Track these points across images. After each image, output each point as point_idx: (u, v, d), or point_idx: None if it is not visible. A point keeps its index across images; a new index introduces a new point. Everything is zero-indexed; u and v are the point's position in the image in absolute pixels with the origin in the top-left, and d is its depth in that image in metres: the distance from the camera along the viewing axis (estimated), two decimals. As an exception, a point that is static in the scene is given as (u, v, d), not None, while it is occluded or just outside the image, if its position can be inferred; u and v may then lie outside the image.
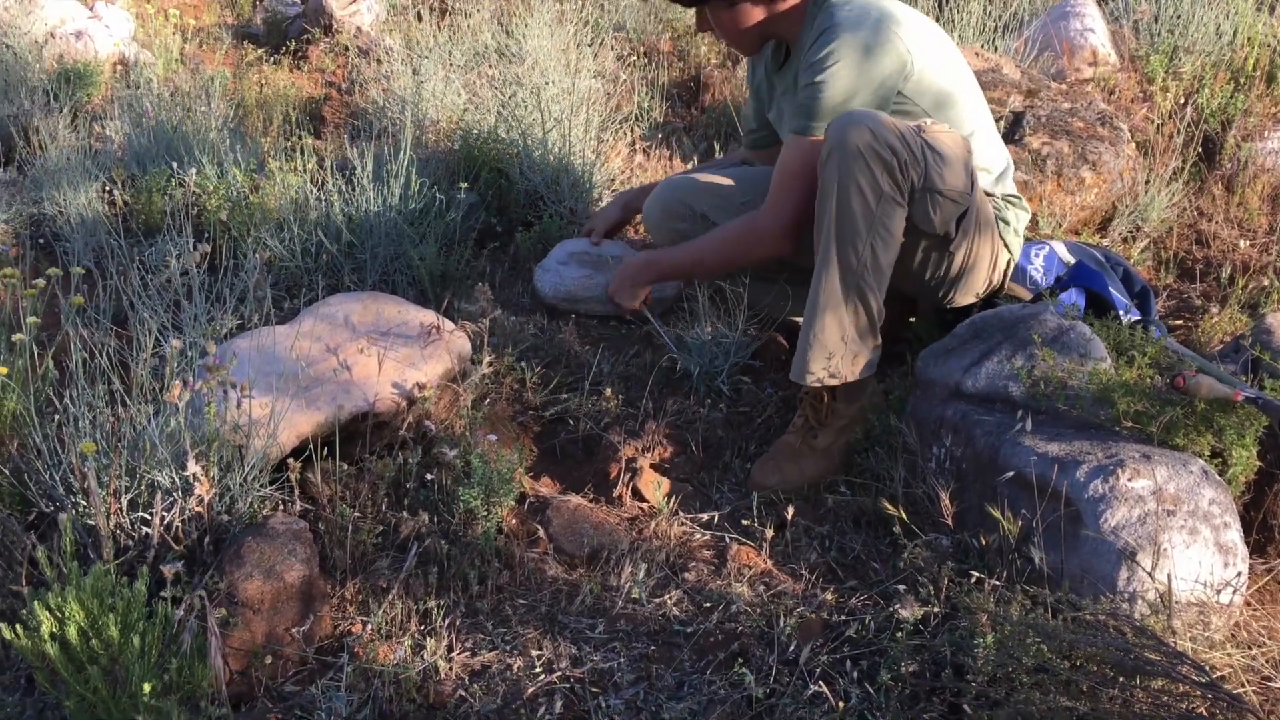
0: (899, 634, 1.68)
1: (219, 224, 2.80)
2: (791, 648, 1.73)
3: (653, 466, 2.25)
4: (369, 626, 1.78)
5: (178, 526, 1.76)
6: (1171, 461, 1.75)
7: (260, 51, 5.27)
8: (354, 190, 2.93)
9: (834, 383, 2.11)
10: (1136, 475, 1.72)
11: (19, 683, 1.66)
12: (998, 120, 3.16)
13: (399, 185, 2.91)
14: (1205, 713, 1.40)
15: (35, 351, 1.86)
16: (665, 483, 2.20)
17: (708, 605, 1.87)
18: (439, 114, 3.76)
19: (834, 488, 2.18)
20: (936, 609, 1.74)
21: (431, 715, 1.65)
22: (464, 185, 3.03)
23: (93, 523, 1.69)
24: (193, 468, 1.73)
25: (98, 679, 1.44)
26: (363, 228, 2.85)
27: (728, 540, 2.06)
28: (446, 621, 1.81)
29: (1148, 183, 3.13)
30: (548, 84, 3.45)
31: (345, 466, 2.03)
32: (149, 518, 1.73)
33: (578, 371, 2.54)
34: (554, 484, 2.24)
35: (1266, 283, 2.81)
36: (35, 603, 1.42)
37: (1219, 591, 1.66)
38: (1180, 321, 2.74)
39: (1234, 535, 1.69)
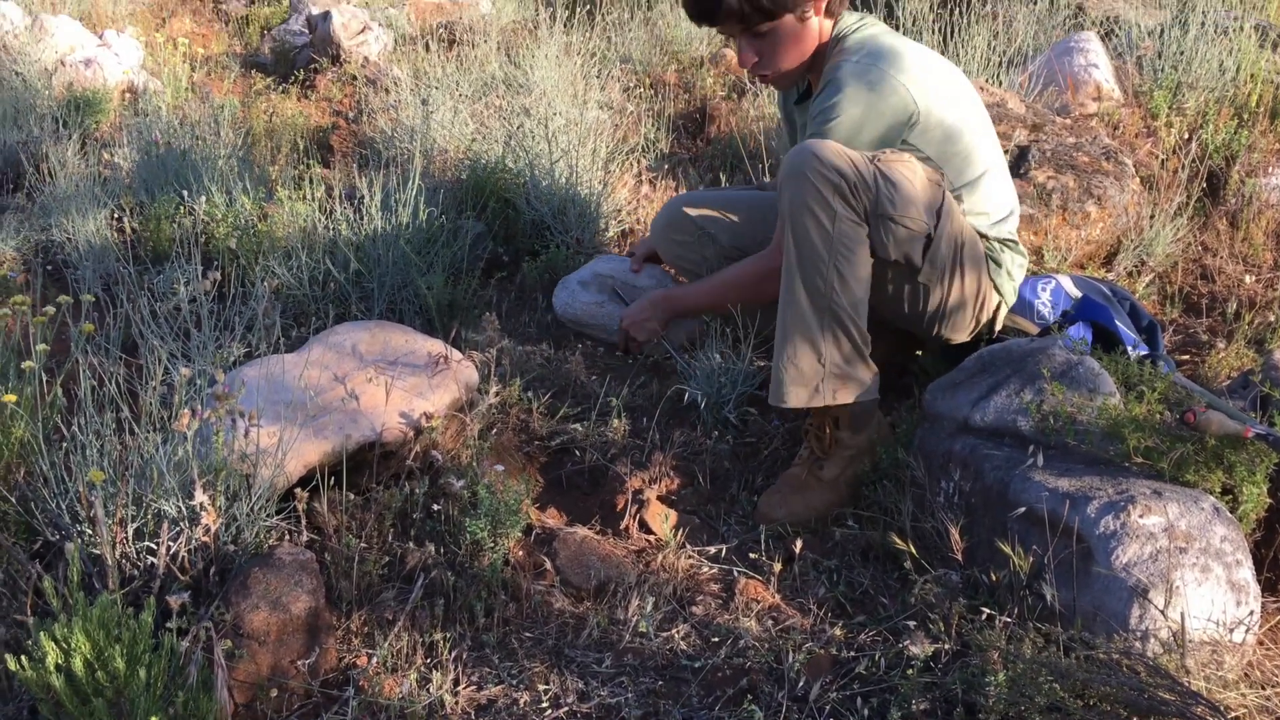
0: (909, 671, 1.67)
1: (227, 252, 2.81)
2: (801, 684, 1.72)
3: (660, 498, 2.24)
4: (374, 659, 1.77)
5: (184, 556, 1.75)
6: (1182, 498, 1.74)
7: (268, 80, 5.31)
8: (362, 219, 2.94)
9: (817, 404, 2.10)
10: (1148, 512, 1.71)
11: (23, 715, 1.65)
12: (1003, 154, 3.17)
13: (407, 214, 2.92)
14: (1221, 754, 1.39)
15: (44, 379, 1.86)
16: (672, 515, 2.19)
17: (715, 640, 1.86)
18: (447, 143, 3.78)
19: (842, 521, 2.18)
20: (947, 646, 1.73)
21: (437, 750, 1.63)
22: (471, 215, 3.04)
23: (99, 552, 1.68)
24: (200, 497, 1.73)
25: (103, 711, 1.43)
26: (370, 256, 2.86)
27: (735, 574, 2.05)
28: (452, 654, 1.80)
29: (1152, 217, 3.14)
30: (555, 115, 3.47)
31: (352, 496, 2.03)
32: (155, 547, 1.72)
33: (584, 401, 2.53)
34: (560, 515, 2.23)
35: (1272, 318, 2.81)
36: (41, 634, 1.41)
37: (1231, 630, 1.64)
38: (1187, 356, 2.74)
39: (1246, 573, 1.68)
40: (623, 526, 2.17)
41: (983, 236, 2.30)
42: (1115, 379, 2.04)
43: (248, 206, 3.06)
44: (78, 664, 1.41)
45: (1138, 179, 3.24)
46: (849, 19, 2.27)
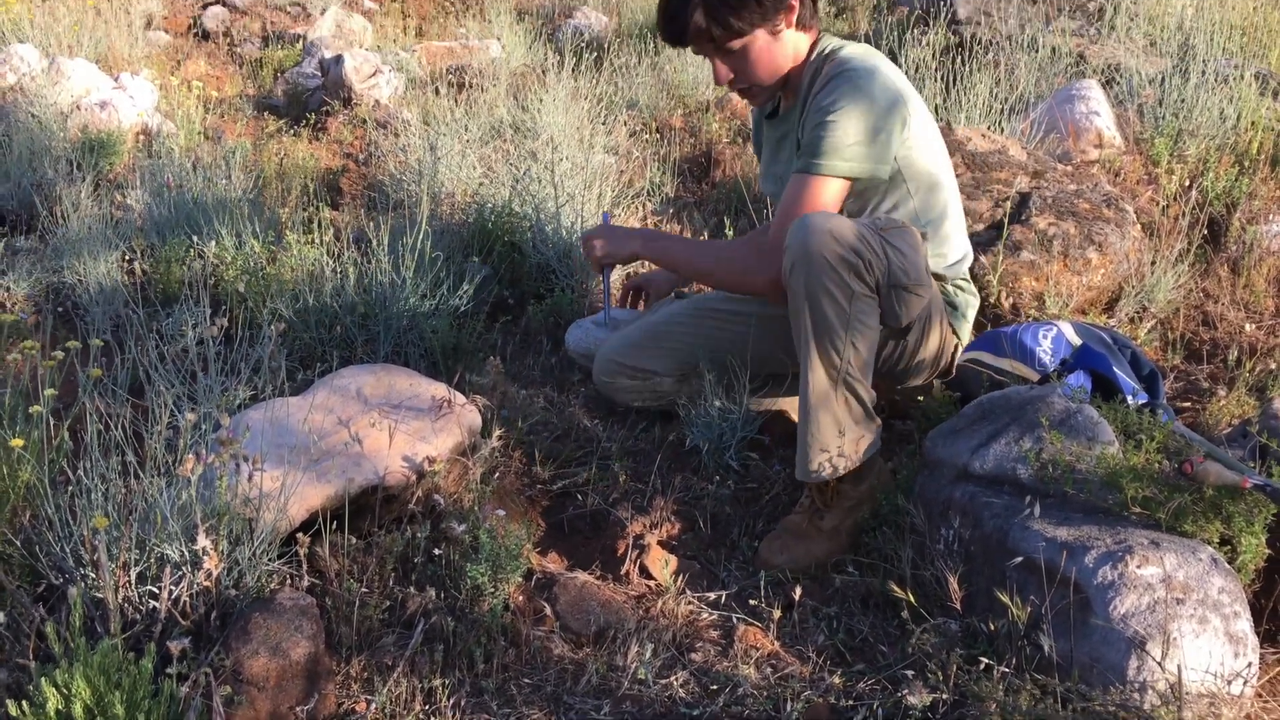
0: (907, 721, 1.67)
1: (236, 294, 2.84)
2: (798, 733, 1.71)
3: (660, 543, 2.25)
4: (373, 705, 1.77)
5: (185, 601, 1.76)
6: (1180, 549, 1.75)
7: (280, 123, 5.38)
8: (369, 262, 2.97)
9: (840, 473, 2.12)
10: (1145, 562, 1.72)
11: (22, 758, 1.66)
12: (1004, 200, 3.21)
13: (413, 258, 2.95)
14: (1217, 809, 1.38)
15: (51, 422, 1.88)
16: (673, 560, 2.20)
17: (714, 687, 1.86)
18: (454, 187, 3.82)
19: (841, 567, 2.18)
20: (945, 695, 1.73)
21: (434, 797, 1.63)
22: (478, 258, 3.07)
23: (101, 596, 1.69)
24: (203, 541, 1.74)
25: (101, 757, 1.44)
26: (377, 299, 2.89)
27: (735, 620, 2.05)
28: (451, 701, 1.80)
29: (1154, 264, 3.16)
30: (562, 159, 3.52)
31: (353, 540, 2.04)
32: (157, 591, 1.74)
33: (587, 445, 2.55)
34: (561, 560, 2.24)
35: (1274, 365, 2.82)
36: (42, 679, 1.42)
37: (1229, 682, 1.64)
38: (1188, 404, 2.75)
39: (1244, 625, 1.68)
40: (623, 571, 2.17)
41: (938, 278, 2.33)
42: (1114, 427, 2.05)
43: (257, 249, 3.10)
44: (78, 710, 1.43)
45: (1139, 226, 3.26)
46: (831, 39, 2.30)
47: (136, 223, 3.54)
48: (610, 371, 2.59)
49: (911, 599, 1.83)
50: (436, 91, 5.13)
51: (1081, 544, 1.78)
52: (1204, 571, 1.72)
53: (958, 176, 3.31)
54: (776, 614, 2.01)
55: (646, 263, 3.02)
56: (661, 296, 2.83)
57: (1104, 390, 2.31)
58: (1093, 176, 3.43)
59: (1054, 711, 1.54)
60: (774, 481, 2.44)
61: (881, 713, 1.75)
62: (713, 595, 2.12)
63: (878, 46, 4.40)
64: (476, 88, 5.02)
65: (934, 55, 4.17)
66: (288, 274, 2.95)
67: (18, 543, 1.84)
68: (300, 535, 1.92)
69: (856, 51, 2.25)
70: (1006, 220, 3.11)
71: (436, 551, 2.04)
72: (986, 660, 1.73)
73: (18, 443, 1.86)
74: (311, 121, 5.33)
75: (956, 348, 2.41)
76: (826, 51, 2.27)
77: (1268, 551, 1.85)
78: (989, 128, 3.85)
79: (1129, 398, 2.27)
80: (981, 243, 3.13)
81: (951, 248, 2.36)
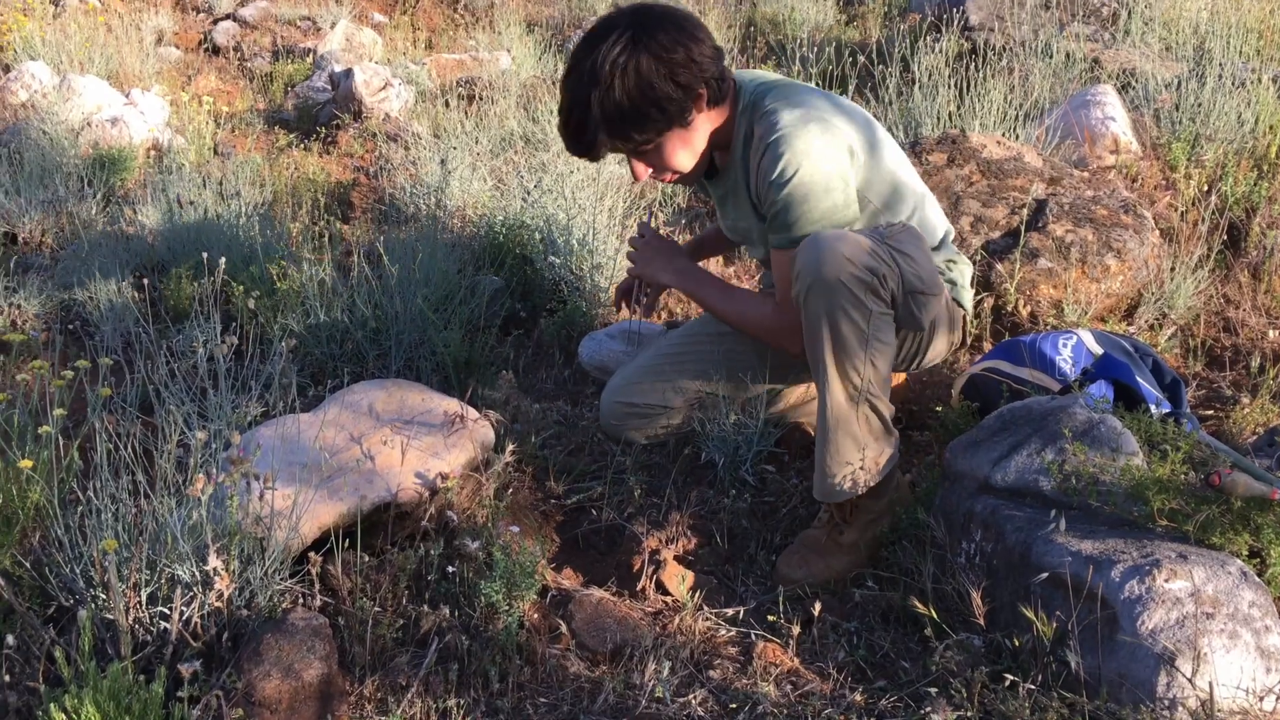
0: (931, 740, 1.63)
1: (246, 310, 2.83)
2: (820, 753, 1.68)
3: (677, 558, 2.22)
4: (387, 727, 1.74)
5: (197, 622, 1.74)
6: (1209, 562, 1.71)
7: (291, 137, 5.39)
8: (380, 277, 2.96)
9: (860, 490, 2.08)
10: (1174, 576, 1.68)
11: (33, 784, 1.64)
12: (1020, 208, 3.17)
13: (425, 272, 2.93)
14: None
15: (61, 442, 1.87)
16: (689, 576, 2.17)
17: (733, 706, 1.83)
18: (465, 200, 3.81)
19: (861, 582, 2.14)
20: (970, 713, 1.69)
21: (450, 821, 1.60)
22: (489, 271, 3.06)
23: (112, 617, 1.67)
24: (214, 561, 1.72)
25: (111, 783, 1.42)
26: (388, 314, 2.87)
27: (753, 637, 2.01)
28: (466, 721, 1.78)
29: (1173, 270, 3.12)
30: (573, 171, 3.50)
31: (366, 558, 2.01)
32: (168, 613, 1.71)
33: (601, 460, 2.52)
34: (576, 576, 2.21)
35: (1298, 372, 2.77)
36: (51, 704, 1.40)
37: (1261, 699, 1.60)
38: (1211, 411, 2.71)
39: (1275, 639, 1.64)
40: (639, 587, 2.14)
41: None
42: (1138, 438, 2.01)
43: (267, 265, 3.09)
44: (87, 735, 1.40)
45: (1157, 232, 3.23)
46: (747, 83, 2.20)
47: (147, 239, 3.54)
48: (618, 415, 2.55)
49: (934, 616, 1.80)
50: (446, 104, 5.13)
51: (1108, 557, 1.75)
52: (1234, 585, 1.68)
53: (973, 184, 3.29)
54: (796, 630, 1.97)
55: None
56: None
57: (1126, 400, 2.27)
58: (1110, 182, 3.40)
59: (1083, 731, 1.50)
60: (791, 495, 2.40)
61: (905, 732, 1.72)
62: (730, 611, 2.09)
63: (889, 55, 4.38)
64: (487, 100, 5.02)
65: (947, 62, 4.14)
66: (298, 289, 2.94)
67: (27, 564, 1.83)
68: (312, 554, 1.89)
69: (781, 103, 2.12)
70: (1024, 228, 3.07)
71: (450, 569, 2.01)
72: (1011, 677, 1.69)
73: (27, 464, 1.85)
74: (322, 135, 5.33)
75: (965, 317, 2.38)
76: (750, 104, 2.16)
77: (1298, 564, 1.81)
78: (1004, 134, 3.81)
79: (1152, 407, 2.23)
80: (998, 250, 3.10)
81: (930, 231, 2.30)
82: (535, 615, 2.02)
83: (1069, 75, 4.34)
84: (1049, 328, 2.92)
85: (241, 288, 3.01)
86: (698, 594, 2.12)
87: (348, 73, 5.65)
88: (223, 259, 2.27)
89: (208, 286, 2.19)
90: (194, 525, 1.77)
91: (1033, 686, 1.67)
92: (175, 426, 1.84)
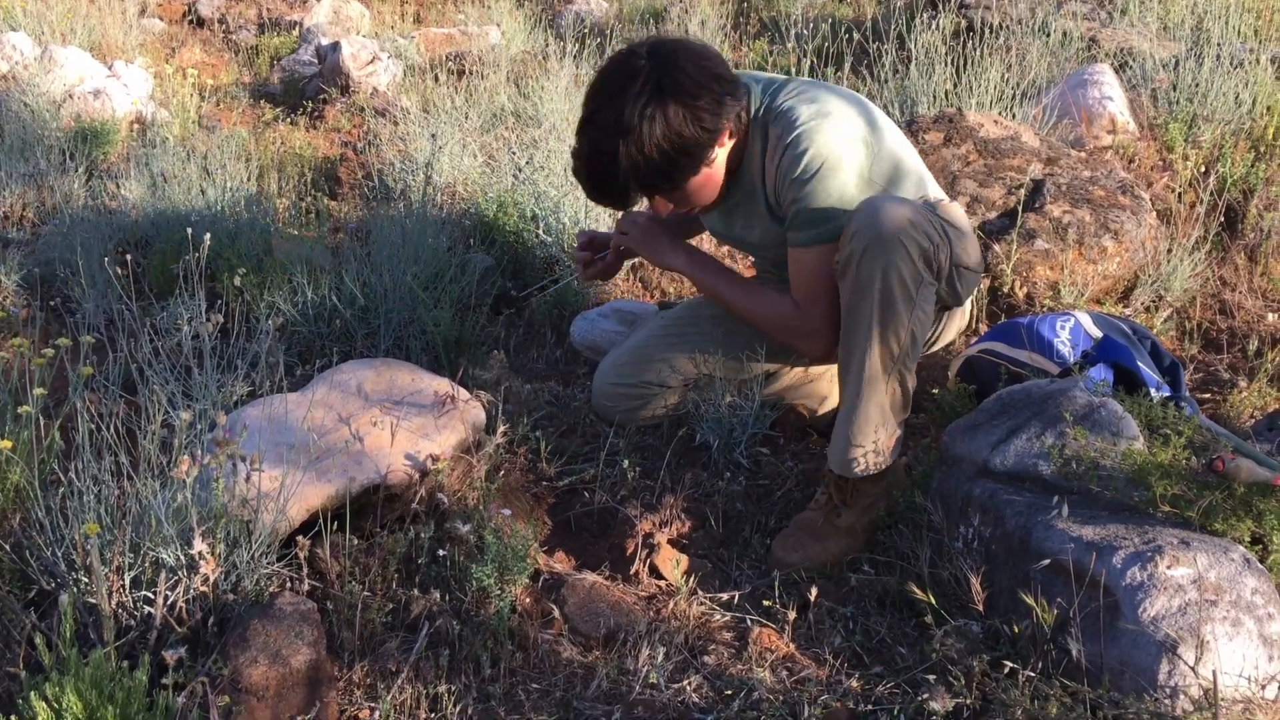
0: (930, 728, 1.61)
1: (232, 288, 2.77)
2: (817, 741, 1.66)
3: (671, 542, 2.19)
4: (377, 713, 1.71)
5: (181, 606, 1.70)
6: (1211, 548, 1.69)
7: (277, 111, 5.30)
8: (368, 254, 2.90)
9: (872, 471, 2.06)
10: (1176, 563, 1.66)
11: (14, 772, 1.60)
12: (1017, 188, 3.14)
13: (414, 249, 2.88)
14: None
15: (41, 422, 1.82)
16: (684, 560, 2.14)
17: (729, 692, 1.80)
18: (455, 176, 3.75)
19: (857, 566, 2.12)
20: (969, 701, 1.67)
21: (441, 810, 1.58)
22: (480, 249, 3.01)
23: (94, 602, 1.64)
24: (199, 545, 1.68)
25: (94, 772, 1.38)
26: (377, 292, 2.82)
27: (749, 622, 1.99)
28: (457, 708, 1.74)
29: (1170, 252, 3.09)
30: (565, 147, 3.44)
31: (355, 541, 1.98)
32: (152, 597, 1.68)
33: (593, 441, 2.49)
34: (569, 559, 2.18)
35: (1296, 355, 2.75)
36: (32, 693, 1.36)
37: (1264, 687, 1.59)
38: (1208, 395, 2.69)
39: (1278, 627, 1.62)
40: (633, 571, 2.12)
41: None
42: (1139, 422, 1.99)
43: (254, 241, 3.03)
44: (69, 724, 1.37)
45: (1154, 213, 3.20)
46: (755, 85, 2.14)
47: (130, 214, 3.47)
48: (611, 396, 2.51)
49: (932, 602, 1.77)
50: (436, 79, 5.06)
51: (1109, 543, 1.72)
52: (1236, 572, 1.66)
53: (969, 164, 3.25)
54: (791, 615, 1.95)
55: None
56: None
57: (1126, 383, 2.24)
58: (1107, 163, 3.37)
59: (1085, 720, 1.48)
60: (786, 478, 2.37)
61: (903, 718, 1.69)
62: (725, 596, 2.06)
63: (885, 32, 4.33)
64: (476, 75, 4.94)
65: (943, 40, 4.09)
66: (285, 266, 2.89)
67: (7, 547, 1.78)
68: (300, 537, 1.86)
69: (794, 99, 2.09)
70: (1021, 208, 3.04)
71: (441, 552, 1.98)
72: (1011, 664, 1.67)
73: (6, 444, 1.80)
74: (309, 109, 5.25)
75: (972, 301, 2.39)
76: (763, 110, 2.11)
77: (1301, 550, 1.79)
78: (1000, 113, 3.77)
79: (1152, 391, 2.20)
80: (994, 231, 3.06)
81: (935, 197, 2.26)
82: (527, 600, 1.99)
83: (1066, 54, 4.29)
84: (1045, 310, 2.89)
85: (227, 263, 2.95)
86: (692, 578, 2.09)
87: (335, 46, 5.56)
88: (208, 235, 2.21)
89: (192, 263, 2.13)
90: (178, 508, 1.73)
91: (1032, 674, 1.65)
92: (159, 406, 1.80)
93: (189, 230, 2.29)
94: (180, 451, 1.74)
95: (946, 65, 3.98)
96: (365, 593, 1.88)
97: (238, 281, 2.30)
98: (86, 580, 1.67)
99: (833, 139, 2.03)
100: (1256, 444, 2.06)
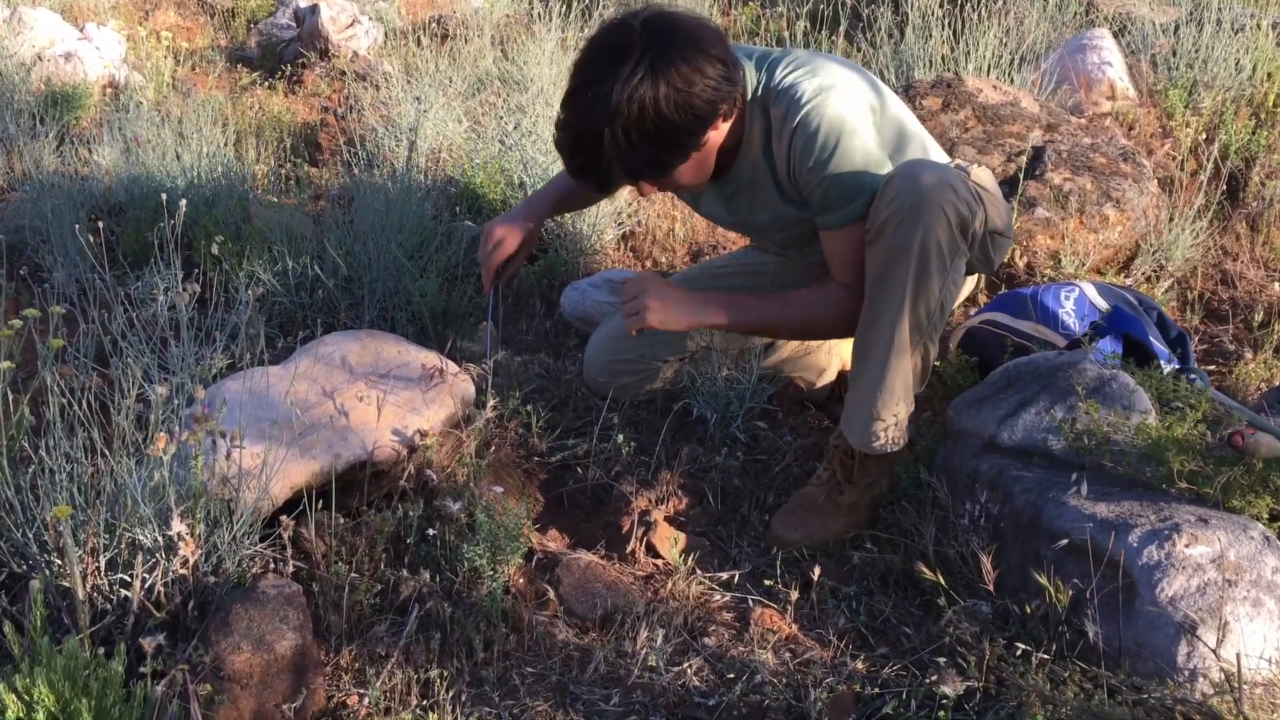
0: (940, 712, 1.55)
1: (210, 257, 2.67)
2: (824, 726, 1.60)
3: (668, 519, 2.13)
4: (366, 699, 1.64)
5: (159, 590, 1.62)
6: (1230, 526, 1.64)
7: (254, 75, 5.17)
8: (351, 222, 2.81)
9: (888, 449, 1.99)
10: (1194, 541, 1.60)
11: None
12: (1017, 154, 3.07)
13: (398, 217, 2.79)
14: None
15: (10, 396, 1.73)
16: (681, 537, 2.07)
17: (730, 675, 1.74)
18: (440, 142, 3.65)
19: (859, 544, 2.06)
20: (980, 684, 1.62)
21: (434, 801, 1.51)
22: (466, 217, 2.92)
23: (68, 585, 1.56)
24: (178, 525, 1.60)
25: (68, 768, 1.31)
26: (360, 261, 2.73)
27: (750, 602, 1.93)
28: (450, 693, 1.68)
29: (1171, 221, 3.03)
30: (552, 113, 3.34)
31: (341, 520, 1.90)
32: (129, 580, 1.60)
33: (586, 415, 2.41)
34: (562, 537, 2.11)
35: (1302, 326, 2.70)
36: (1, 685, 1.28)
37: (1286, 669, 1.54)
38: (1213, 367, 2.64)
39: (1300, 607, 1.58)
40: (629, 550, 2.05)
41: None
42: (1150, 395, 1.93)
43: (232, 208, 2.93)
44: (41, 719, 1.29)
45: (1155, 181, 3.13)
46: (748, 60, 2.02)
47: (103, 180, 3.36)
48: (605, 371, 2.42)
49: (941, 581, 1.71)
50: (418, 42, 4.93)
51: (1124, 521, 1.67)
52: (1257, 550, 1.61)
53: (968, 130, 3.18)
54: (794, 594, 1.89)
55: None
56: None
57: (1136, 355, 2.19)
58: (1108, 130, 3.30)
59: (1102, 707, 1.43)
60: (785, 453, 2.31)
61: (913, 703, 1.64)
62: (725, 575, 2.00)
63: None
64: (460, 38, 4.82)
65: (940, 4, 4.00)
66: (264, 234, 2.79)
67: (-25, 528, 1.70)
68: (284, 516, 1.78)
69: (794, 73, 1.97)
70: (1021, 175, 2.97)
71: (430, 531, 1.91)
72: (1023, 646, 1.62)
73: (-28, 420, 1.71)
74: (287, 74, 5.11)
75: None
76: (762, 88, 1.99)
77: (1320, 528, 1.74)
78: (999, 78, 3.69)
79: (1163, 363, 2.15)
80: (994, 199, 2.99)
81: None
82: (520, 580, 1.92)
83: (1063, 19, 4.22)
84: (1046, 280, 2.83)
85: (204, 231, 2.85)
86: (690, 557, 2.02)
87: (313, 9, 5.42)
88: (183, 201, 2.11)
89: (168, 230, 2.04)
90: (156, 486, 1.65)
91: (1046, 656, 1.59)
92: (134, 380, 1.71)
93: (164, 197, 2.19)
94: (157, 427, 1.66)
95: (943, 29, 3.89)
96: (352, 574, 1.81)
97: (215, 250, 2.21)
98: (59, 563, 1.59)
99: (841, 108, 1.92)
100: (1270, 416, 2.01)
